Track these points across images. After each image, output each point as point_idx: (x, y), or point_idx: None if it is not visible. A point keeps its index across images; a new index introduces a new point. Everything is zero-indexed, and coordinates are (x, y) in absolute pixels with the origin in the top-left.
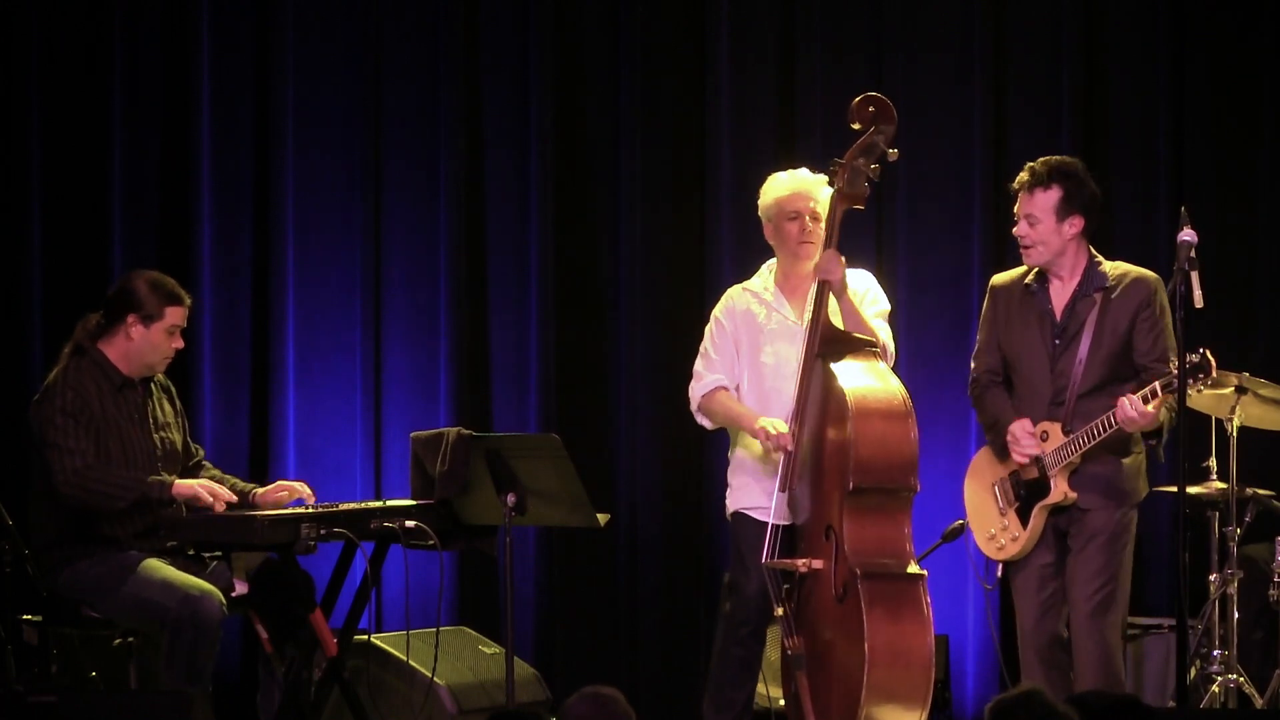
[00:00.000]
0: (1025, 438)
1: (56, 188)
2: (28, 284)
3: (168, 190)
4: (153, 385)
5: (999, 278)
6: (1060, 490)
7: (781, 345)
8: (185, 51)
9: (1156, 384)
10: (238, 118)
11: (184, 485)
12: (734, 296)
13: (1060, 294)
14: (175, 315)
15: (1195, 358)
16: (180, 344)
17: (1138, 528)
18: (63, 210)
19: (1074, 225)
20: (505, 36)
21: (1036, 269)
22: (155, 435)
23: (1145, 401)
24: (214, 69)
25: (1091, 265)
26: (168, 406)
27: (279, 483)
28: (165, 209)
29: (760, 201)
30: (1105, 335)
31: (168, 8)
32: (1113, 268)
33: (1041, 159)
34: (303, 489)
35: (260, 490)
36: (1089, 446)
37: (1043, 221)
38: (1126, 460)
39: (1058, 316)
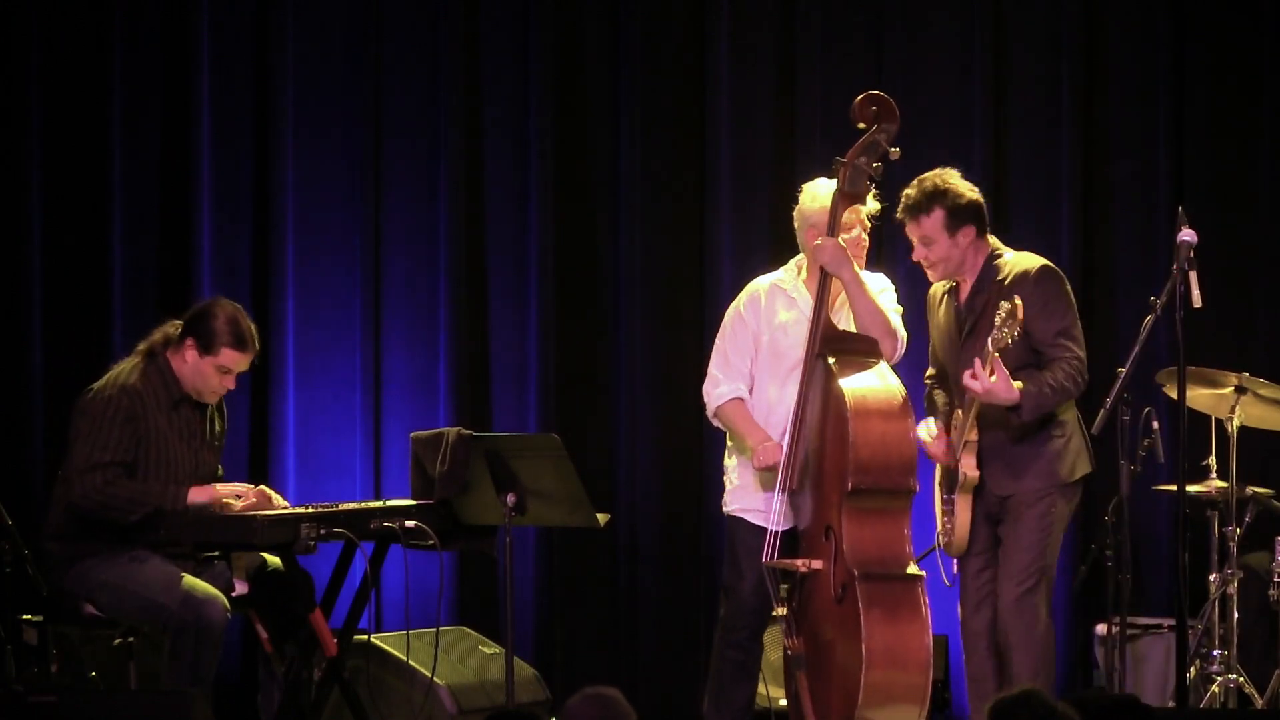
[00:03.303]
0: (925, 435)
1: (56, 188)
2: (28, 284)
3: (168, 190)
4: (209, 405)
5: (934, 287)
6: (964, 469)
7: (803, 345)
8: (185, 51)
9: (989, 340)
10: (238, 118)
11: (198, 492)
12: (761, 291)
13: (966, 290)
14: (230, 358)
15: (1004, 310)
16: (231, 385)
17: (1137, 527)
18: (63, 210)
19: (966, 235)
20: (505, 37)
21: None
22: (198, 455)
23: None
24: (214, 69)
25: (989, 261)
26: (217, 426)
27: (257, 490)
28: (165, 209)
29: (804, 207)
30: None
31: (168, 7)
32: (1009, 260)
33: (914, 182)
34: (275, 499)
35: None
36: (969, 420)
37: (936, 241)
38: (1050, 445)
39: (962, 312)
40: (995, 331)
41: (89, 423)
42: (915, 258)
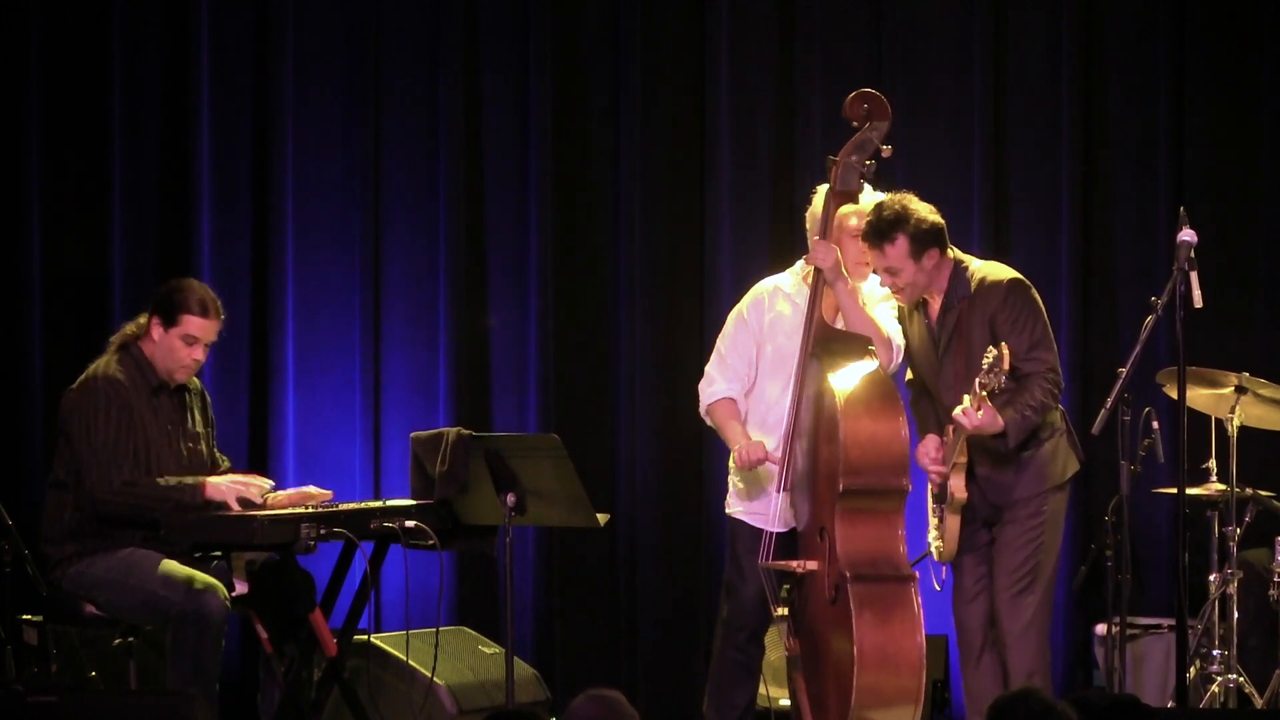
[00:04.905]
0: (928, 461)
1: (56, 188)
2: (28, 284)
3: (167, 190)
4: (189, 394)
5: None
6: (953, 489)
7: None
8: (185, 51)
9: (975, 383)
10: (237, 117)
11: (215, 489)
12: (765, 294)
13: (935, 307)
14: (192, 325)
15: (991, 356)
16: (200, 356)
17: (1137, 527)
18: (63, 210)
19: (931, 258)
20: (505, 37)
21: None
22: (183, 445)
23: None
24: (214, 69)
25: (956, 274)
26: (199, 416)
27: (300, 490)
28: (165, 209)
29: (814, 210)
30: (973, 343)
31: (167, 8)
32: (976, 272)
33: (872, 209)
34: (322, 494)
35: (278, 495)
36: (956, 444)
37: (903, 269)
38: (1041, 450)
39: (935, 329)
40: (982, 376)
41: (80, 419)
42: (882, 284)
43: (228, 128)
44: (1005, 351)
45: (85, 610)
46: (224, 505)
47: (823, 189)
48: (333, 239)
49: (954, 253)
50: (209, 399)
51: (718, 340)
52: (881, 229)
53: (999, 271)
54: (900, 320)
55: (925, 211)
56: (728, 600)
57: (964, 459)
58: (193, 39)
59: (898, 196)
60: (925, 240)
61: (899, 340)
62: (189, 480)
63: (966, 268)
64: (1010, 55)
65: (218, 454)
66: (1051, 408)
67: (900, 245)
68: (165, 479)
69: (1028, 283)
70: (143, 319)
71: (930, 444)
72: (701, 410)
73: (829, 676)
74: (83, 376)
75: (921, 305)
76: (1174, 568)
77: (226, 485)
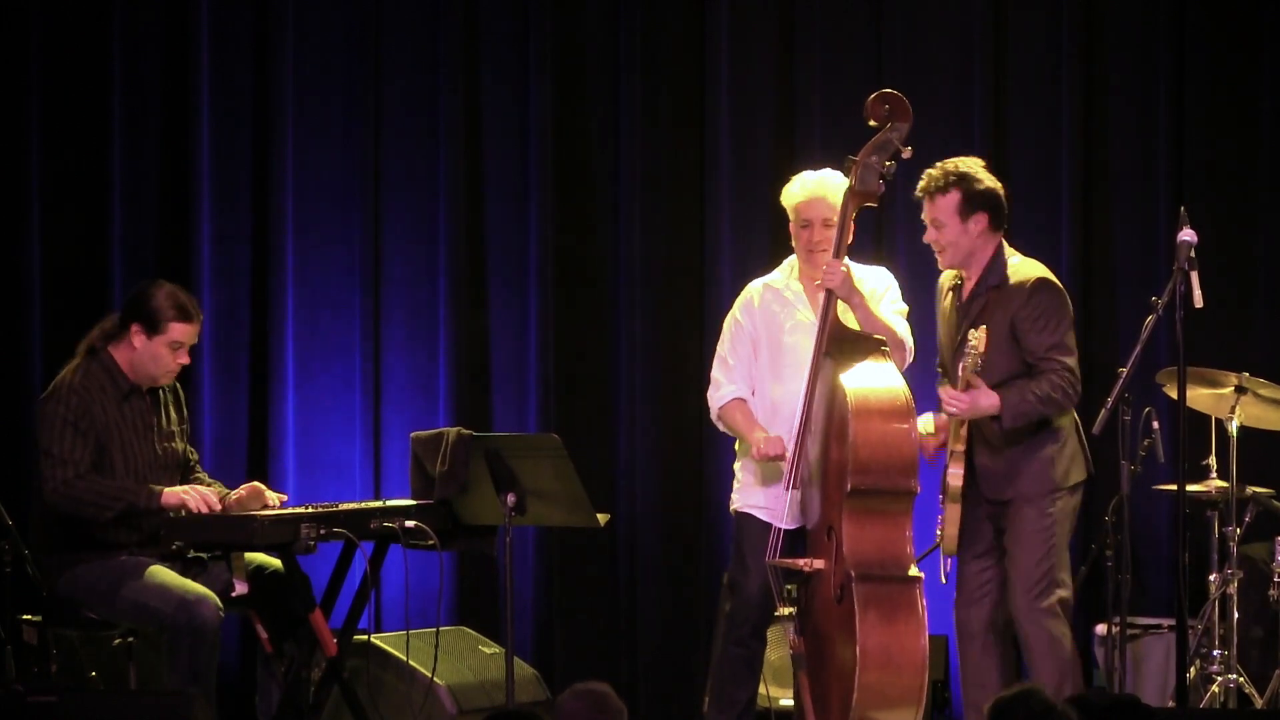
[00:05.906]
0: (924, 436)
1: (56, 188)
2: (28, 284)
3: (167, 190)
4: (161, 391)
5: (942, 277)
6: (949, 477)
7: (801, 343)
8: (185, 51)
9: (959, 366)
10: (238, 118)
11: (172, 494)
12: (755, 293)
13: (968, 290)
14: (178, 332)
15: (973, 337)
16: (185, 360)
17: (1137, 527)
18: (63, 210)
19: (978, 223)
20: (505, 37)
21: None
22: (159, 445)
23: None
24: (214, 69)
25: (994, 260)
26: (173, 413)
27: (250, 486)
28: (165, 209)
29: (782, 198)
30: (994, 333)
31: (167, 8)
32: (1012, 267)
33: (939, 163)
34: (271, 496)
35: (231, 496)
36: (959, 431)
37: (948, 225)
38: (1043, 451)
39: (961, 311)
40: (964, 359)
41: (44, 428)
42: (926, 239)
43: (228, 128)
44: (983, 335)
45: (82, 614)
46: (181, 508)
47: (798, 177)
48: (333, 239)
49: (1003, 242)
50: (181, 392)
51: (717, 347)
52: (938, 180)
53: (1030, 270)
54: (937, 295)
55: (984, 175)
56: (731, 595)
57: (961, 447)
58: (193, 39)
59: (964, 158)
60: (977, 202)
61: (910, 341)
62: (148, 486)
63: (1006, 260)
64: (1010, 55)
65: (188, 448)
66: (1061, 404)
67: (951, 198)
68: (116, 481)
69: (1057, 283)
70: (108, 324)
71: (928, 417)
72: (713, 416)
73: (833, 675)
74: (51, 385)
75: (958, 289)
76: (1174, 568)
77: (183, 490)
